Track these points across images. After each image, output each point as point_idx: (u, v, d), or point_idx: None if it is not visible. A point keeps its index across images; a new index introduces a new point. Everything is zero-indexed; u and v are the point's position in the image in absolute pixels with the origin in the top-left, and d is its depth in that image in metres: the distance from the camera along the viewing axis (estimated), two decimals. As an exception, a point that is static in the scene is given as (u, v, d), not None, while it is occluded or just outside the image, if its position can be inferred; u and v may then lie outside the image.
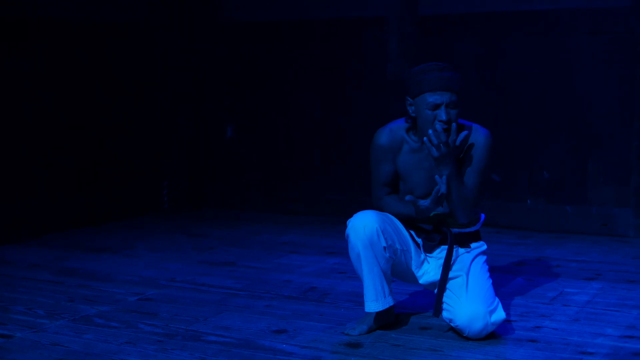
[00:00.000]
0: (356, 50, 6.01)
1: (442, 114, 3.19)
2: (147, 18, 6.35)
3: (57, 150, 5.68)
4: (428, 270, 3.42)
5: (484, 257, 3.44)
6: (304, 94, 6.23)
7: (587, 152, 5.40)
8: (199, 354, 3.15)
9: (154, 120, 6.46)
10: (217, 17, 6.50)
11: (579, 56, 5.37)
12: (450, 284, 3.33)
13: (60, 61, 5.68)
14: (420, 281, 3.44)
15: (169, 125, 6.54)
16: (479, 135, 3.32)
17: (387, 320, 3.39)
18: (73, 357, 3.14)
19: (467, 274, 3.31)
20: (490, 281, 3.37)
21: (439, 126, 3.18)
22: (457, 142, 3.21)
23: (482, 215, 3.49)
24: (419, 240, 3.41)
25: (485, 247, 3.47)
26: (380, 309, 3.30)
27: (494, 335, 3.26)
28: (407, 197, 3.21)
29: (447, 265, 3.33)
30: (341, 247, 5.05)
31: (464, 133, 3.23)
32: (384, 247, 3.24)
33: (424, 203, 3.21)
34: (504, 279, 4.17)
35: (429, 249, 3.40)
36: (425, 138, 3.21)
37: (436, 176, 3.21)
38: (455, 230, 3.39)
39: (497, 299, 3.29)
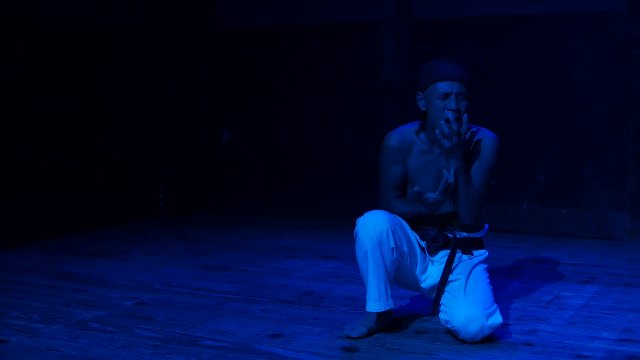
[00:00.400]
0: (352, 54, 6.02)
1: (452, 103, 3.26)
2: (146, 23, 6.35)
3: (53, 154, 5.68)
4: (431, 274, 3.43)
5: (485, 265, 3.47)
6: (300, 98, 6.23)
7: (582, 156, 5.40)
8: (194, 359, 3.15)
9: (150, 124, 6.45)
10: (215, 21, 6.50)
11: (574, 60, 5.38)
12: (449, 286, 3.34)
13: (59, 65, 5.69)
14: (422, 285, 3.45)
15: (165, 130, 6.53)
16: (487, 138, 3.39)
17: (386, 323, 3.39)
18: (69, 362, 3.14)
19: (467, 278, 3.33)
20: (490, 287, 3.39)
21: (450, 115, 3.23)
22: (467, 136, 3.25)
23: (487, 225, 3.53)
24: (423, 244, 3.42)
25: (487, 254, 3.49)
26: (382, 310, 3.30)
27: (489, 339, 3.26)
28: (415, 188, 3.24)
29: (448, 266, 3.35)
30: (337, 251, 5.07)
31: (473, 129, 3.32)
32: (392, 248, 3.24)
33: (432, 195, 3.23)
34: (500, 283, 4.18)
35: (433, 250, 3.41)
36: (437, 131, 3.25)
37: (444, 170, 3.26)
38: (459, 234, 3.41)
39: (495, 305, 3.29)
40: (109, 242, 5.48)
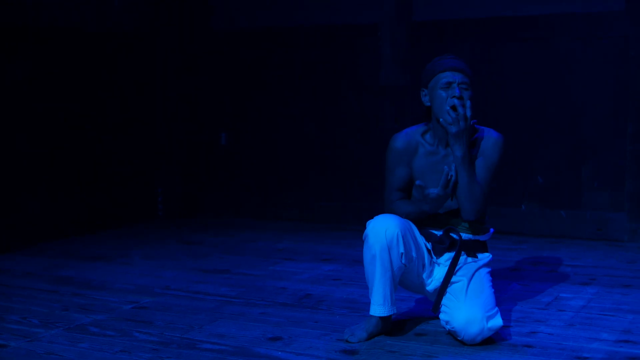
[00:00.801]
0: (350, 56, 6.02)
1: (455, 91, 3.29)
2: (146, 25, 6.35)
3: (50, 158, 5.67)
4: (436, 277, 3.43)
5: (489, 268, 3.48)
6: (298, 101, 6.23)
7: (581, 157, 5.40)
8: (194, 362, 3.15)
9: (149, 126, 6.45)
10: (214, 23, 6.50)
11: (573, 61, 5.38)
12: (451, 288, 3.35)
13: (60, 66, 5.70)
14: (427, 288, 3.45)
15: (165, 131, 6.53)
16: (491, 136, 3.41)
17: (386, 328, 3.38)
18: (67, 366, 3.14)
19: (470, 280, 3.34)
20: (492, 290, 3.39)
21: (455, 101, 3.26)
22: (471, 122, 3.27)
23: (492, 229, 3.54)
24: (429, 246, 3.42)
25: (490, 258, 3.50)
26: (385, 314, 3.30)
27: (489, 340, 3.26)
28: (418, 182, 3.25)
29: (452, 267, 3.35)
30: (337, 253, 5.06)
31: (477, 127, 3.36)
32: (402, 254, 3.24)
33: (434, 191, 3.23)
34: (499, 285, 4.17)
35: (439, 252, 3.41)
36: (441, 119, 3.28)
37: (445, 166, 3.27)
38: (465, 236, 3.41)
39: (496, 308, 3.29)
40: (108, 245, 5.48)
